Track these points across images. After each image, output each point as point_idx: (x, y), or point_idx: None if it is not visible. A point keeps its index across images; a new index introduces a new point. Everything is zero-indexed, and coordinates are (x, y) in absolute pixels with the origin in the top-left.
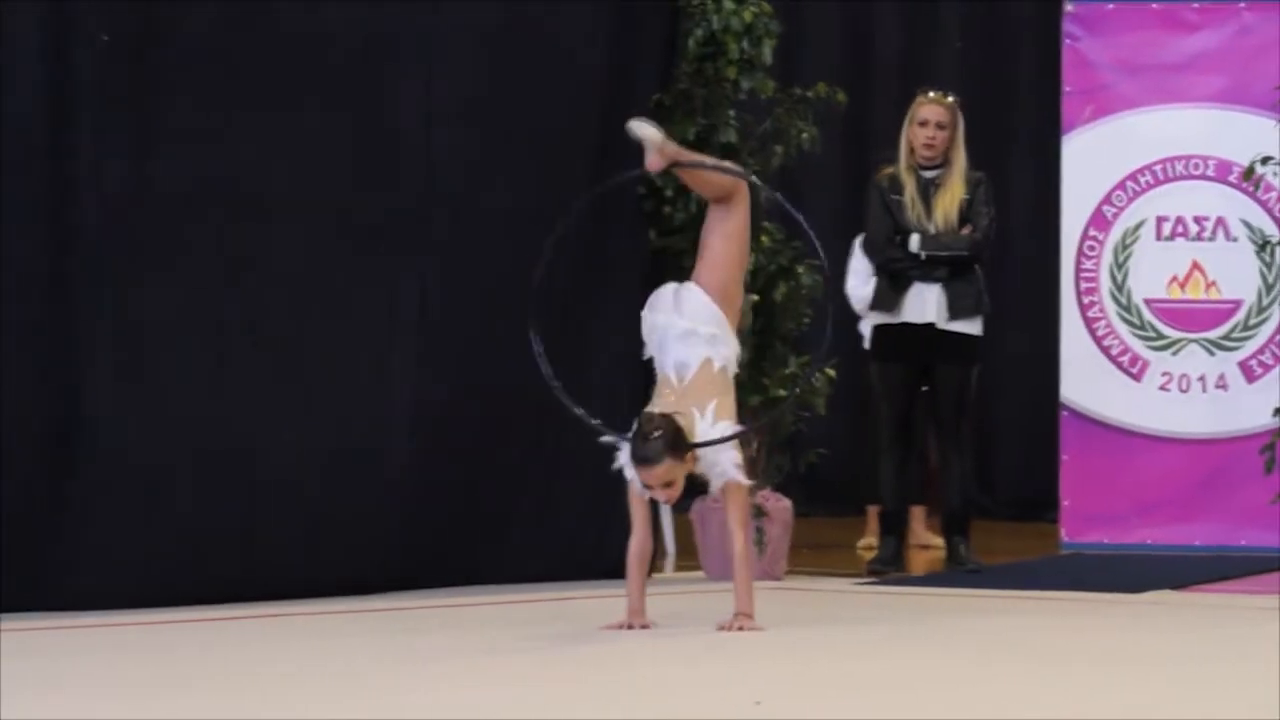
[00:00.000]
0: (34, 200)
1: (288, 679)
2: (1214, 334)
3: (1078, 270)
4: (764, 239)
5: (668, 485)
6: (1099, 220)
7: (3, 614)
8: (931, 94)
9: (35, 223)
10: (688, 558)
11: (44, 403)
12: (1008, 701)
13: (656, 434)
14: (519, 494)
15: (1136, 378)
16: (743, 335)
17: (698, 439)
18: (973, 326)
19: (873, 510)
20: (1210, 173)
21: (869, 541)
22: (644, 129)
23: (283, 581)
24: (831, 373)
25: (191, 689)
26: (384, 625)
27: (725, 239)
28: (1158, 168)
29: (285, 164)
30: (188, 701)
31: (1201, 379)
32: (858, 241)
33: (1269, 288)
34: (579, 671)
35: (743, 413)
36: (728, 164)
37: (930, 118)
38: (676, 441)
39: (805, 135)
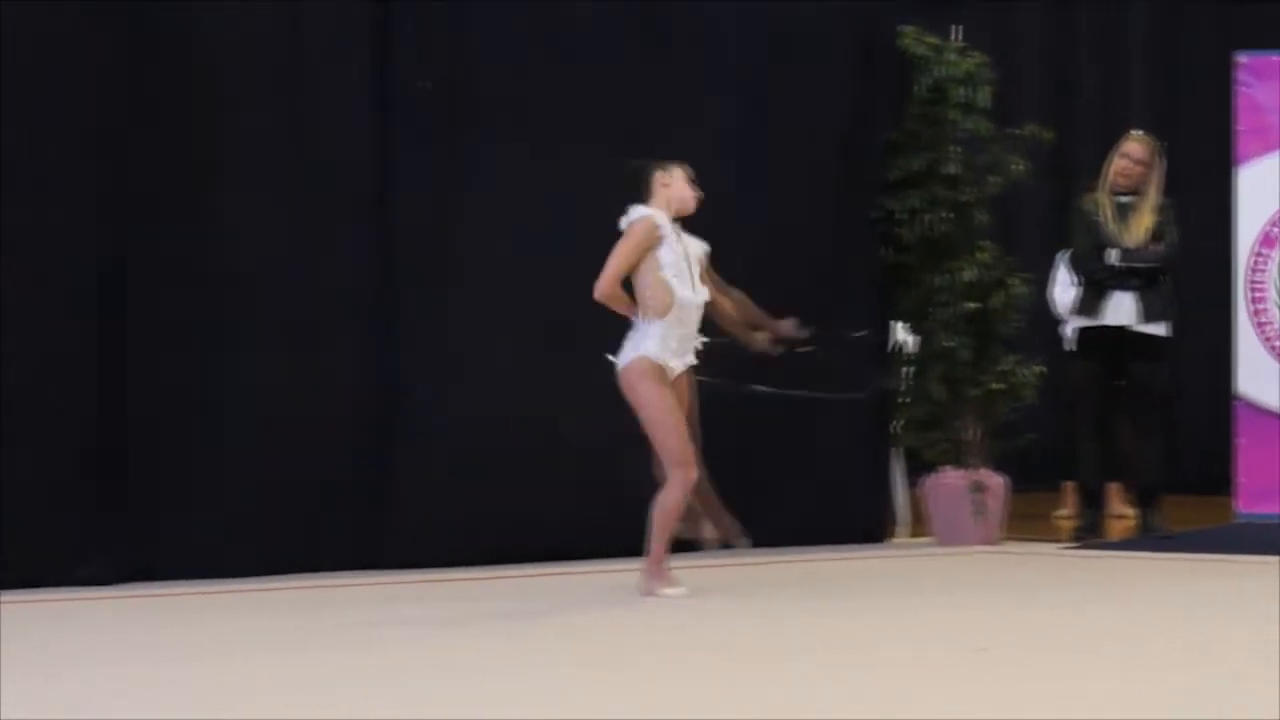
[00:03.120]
0: (363, 225)
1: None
2: None
3: (1249, 282)
4: (981, 254)
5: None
6: (1267, 239)
7: (337, 572)
8: (1139, 133)
9: (365, 245)
10: (919, 526)
11: (373, 393)
12: (1194, 645)
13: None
14: (770, 466)
15: None
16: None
17: None
18: (1162, 329)
19: (1069, 485)
20: None
21: (1064, 512)
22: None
23: (572, 544)
24: (1041, 369)
25: (496, 638)
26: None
27: None
28: None
29: (573, 194)
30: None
31: None
32: (1060, 256)
33: None
34: (817, 619)
35: (962, 404)
36: None
37: (1131, 153)
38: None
39: (1017, 167)
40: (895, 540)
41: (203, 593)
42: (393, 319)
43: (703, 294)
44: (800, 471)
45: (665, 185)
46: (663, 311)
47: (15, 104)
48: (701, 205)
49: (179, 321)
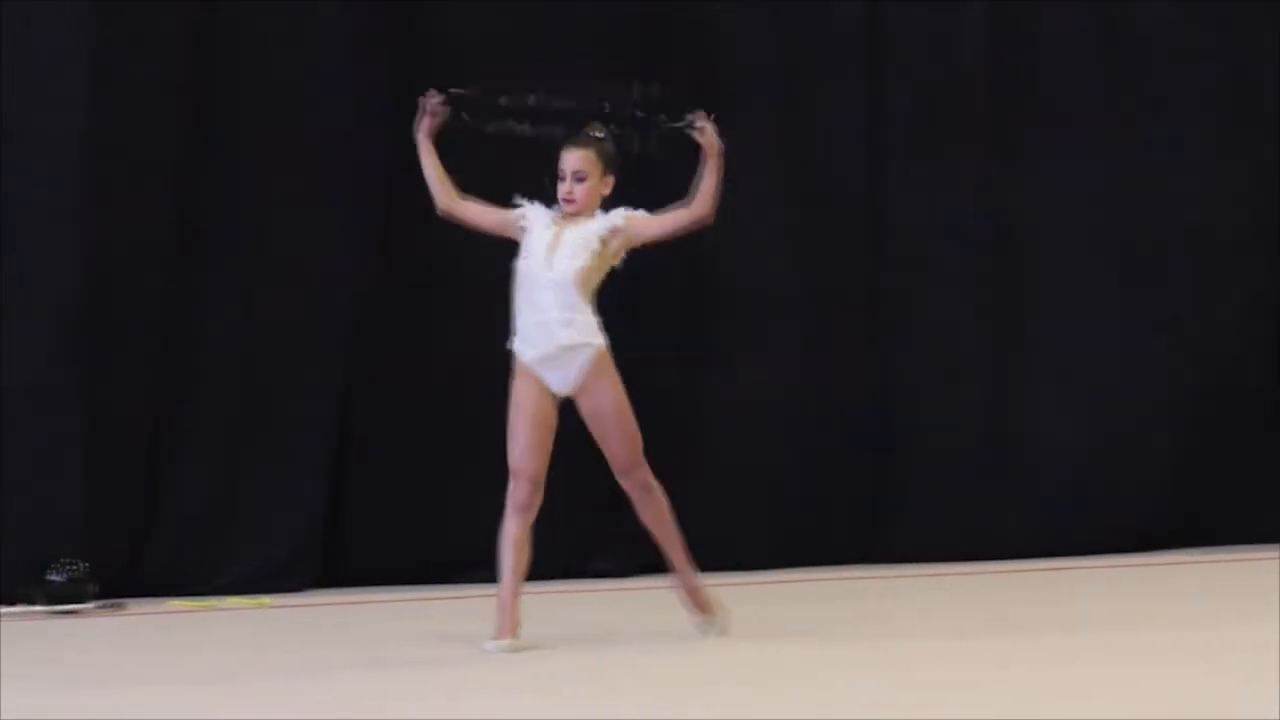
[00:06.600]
0: (852, 233)
1: None
2: None
3: None
4: None
5: (578, 179)
6: None
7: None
8: None
9: (853, 249)
10: None
11: (866, 393)
12: None
13: (598, 134)
14: (1255, 463)
15: None
16: None
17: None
18: None
19: None
20: None
21: None
22: None
23: (1059, 539)
24: None
25: None
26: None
27: None
28: None
29: (1042, 204)
30: None
31: None
32: None
33: None
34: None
35: None
36: None
37: None
38: (607, 152)
39: None
40: None
41: (710, 585)
42: (884, 323)
43: (561, 269)
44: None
45: None
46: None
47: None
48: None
49: (687, 323)
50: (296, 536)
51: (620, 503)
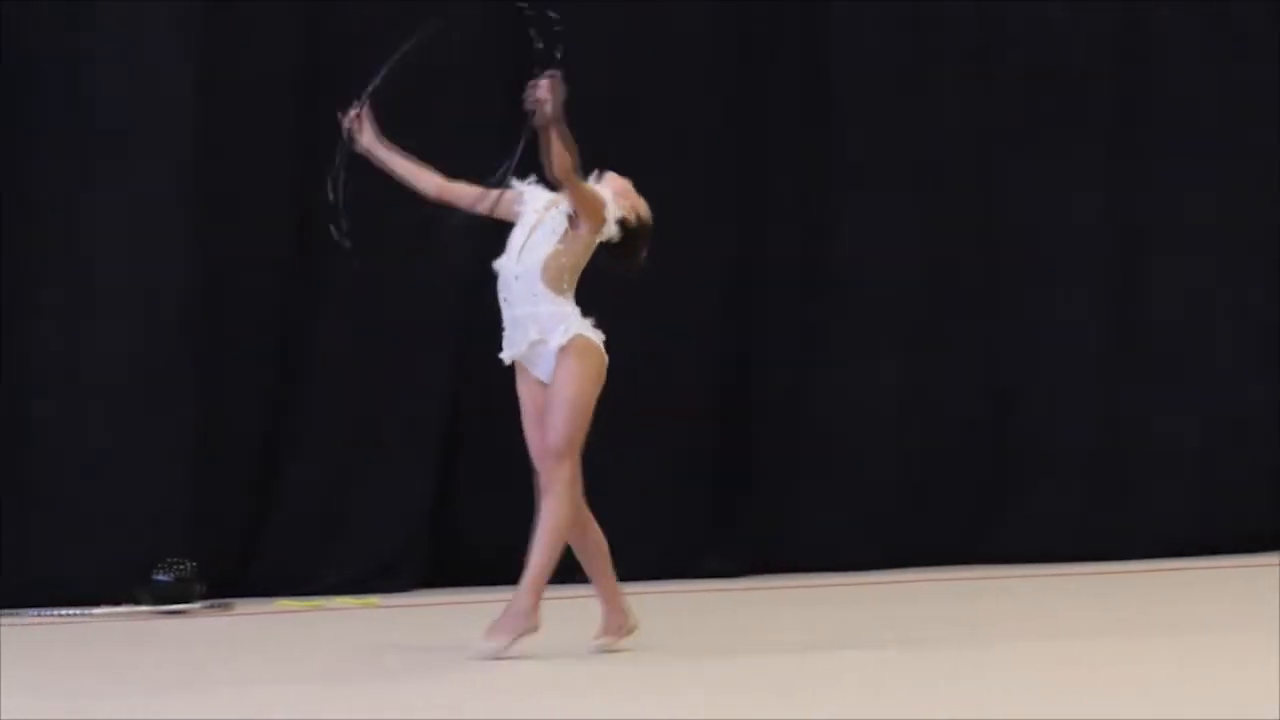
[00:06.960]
0: (966, 231)
1: None
2: None
3: None
4: None
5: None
6: None
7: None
8: None
9: (966, 247)
10: None
11: (989, 391)
12: None
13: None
14: None
15: None
16: None
17: None
18: None
19: None
20: None
21: None
22: None
23: (1173, 540)
24: None
25: None
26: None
27: None
28: None
29: (1157, 202)
30: None
31: None
32: None
33: None
34: None
35: None
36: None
37: None
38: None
39: None
40: None
41: (821, 585)
42: (998, 321)
43: (526, 260)
44: None
45: None
46: None
47: (656, 107)
48: None
49: (801, 322)
50: (404, 536)
51: (729, 503)
